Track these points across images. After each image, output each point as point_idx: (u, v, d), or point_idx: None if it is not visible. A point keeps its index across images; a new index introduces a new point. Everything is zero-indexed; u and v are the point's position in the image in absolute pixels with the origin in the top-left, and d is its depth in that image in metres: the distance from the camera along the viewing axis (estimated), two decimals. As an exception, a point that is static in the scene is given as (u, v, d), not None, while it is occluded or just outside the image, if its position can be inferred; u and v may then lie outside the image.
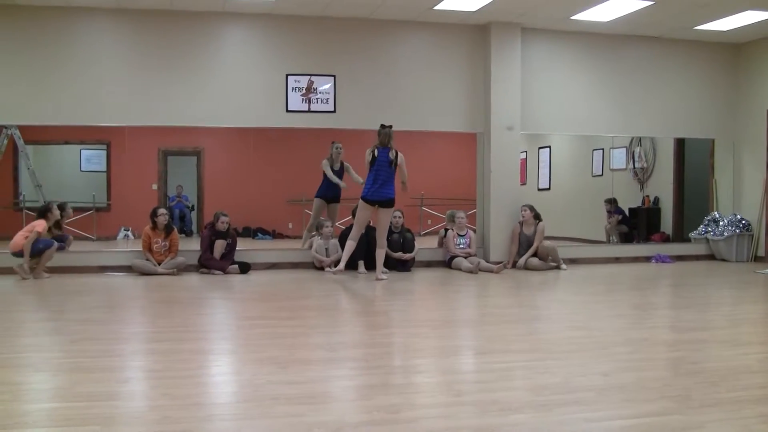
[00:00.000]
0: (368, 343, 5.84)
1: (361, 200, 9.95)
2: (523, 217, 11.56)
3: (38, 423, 3.66)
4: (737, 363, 5.01)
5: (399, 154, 9.92)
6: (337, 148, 11.70)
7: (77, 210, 13.79)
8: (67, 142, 14.81)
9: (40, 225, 10.06)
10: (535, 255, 11.42)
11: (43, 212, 10.29)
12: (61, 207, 10.82)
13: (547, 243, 11.49)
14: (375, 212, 10.03)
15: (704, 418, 3.69)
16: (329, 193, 11.79)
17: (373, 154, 9.84)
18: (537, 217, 11.60)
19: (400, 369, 5.03)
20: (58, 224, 10.64)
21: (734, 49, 13.14)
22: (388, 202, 9.95)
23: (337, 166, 11.76)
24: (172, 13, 11.00)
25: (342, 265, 10.00)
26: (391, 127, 10.03)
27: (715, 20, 11.57)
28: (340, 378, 4.65)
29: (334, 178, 11.55)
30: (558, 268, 11.38)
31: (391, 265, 10.99)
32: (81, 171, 15.21)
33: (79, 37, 10.87)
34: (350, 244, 10.01)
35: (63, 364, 4.92)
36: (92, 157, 15.13)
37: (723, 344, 5.77)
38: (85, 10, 10.80)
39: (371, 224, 10.49)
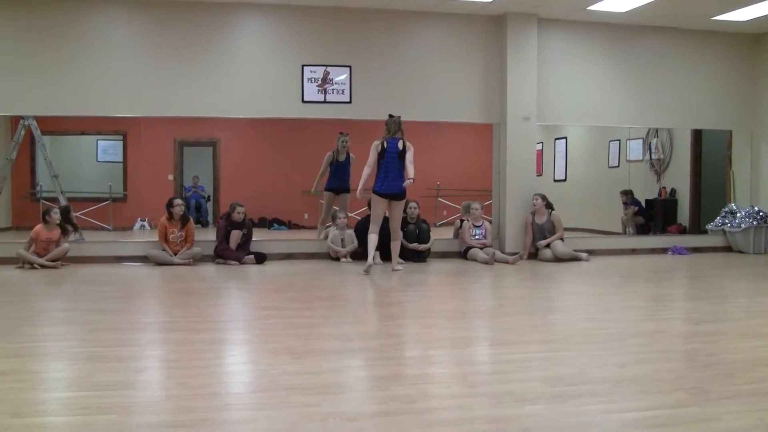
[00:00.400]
0: (383, 333, 5.84)
1: (373, 194, 9.75)
2: (535, 206, 11.55)
3: (55, 411, 3.68)
4: (753, 355, 4.98)
5: (408, 144, 9.72)
6: (343, 141, 11.83)
7: (93, 201, 13.88)
8: (83, 133, 14.87)
9: (34, 232, 10.15)
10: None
11: (42, 217, 10.36)
12: (65, 209, 10.87)
13: (558, 243, 11.44)
14: (388, 205, 9.84)
15: (720, 410, 3.68)
16: (336, 184, 11.89)
17: (383, 146, 9.61)
18: (549, 206, 11.59)
19: (414, 360, 5.03)
20: (68, 221, 10.65)
21: (753, 39, 13.05)
22: (400, 195, 9.71)
23: (342, 158, 11.85)
24: (188, 4, 11.02)
25: (370, 259, 9.67)
26: (399, 116, 9.93)
27: (733, 10, 11.49)
28: (355, 368, 4.66)
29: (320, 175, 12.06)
30: (578, 259, 11.36)
31: (407, 255, 11.00)
32: (97, 161, 15.28)
33: (94, 28, 10.90)
34: (373, 239, 9.78)
35: (80, 354, 4.94)
36: (108, 148, 15.19)
37: (739, 336, 5.74)
38: (100, 1, 10.84)
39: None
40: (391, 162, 9.61)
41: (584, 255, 11.49)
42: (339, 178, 11.91)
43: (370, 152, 9.65)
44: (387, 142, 9.61)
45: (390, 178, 9.61)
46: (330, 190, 11.95)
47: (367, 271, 9.49)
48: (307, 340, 5.41)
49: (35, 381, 4.25)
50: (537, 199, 11.56)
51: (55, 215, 10.26)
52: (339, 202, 11.94)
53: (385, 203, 9.76)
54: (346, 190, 11.95)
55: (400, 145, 9.62)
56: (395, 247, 10.03)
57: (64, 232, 10.30)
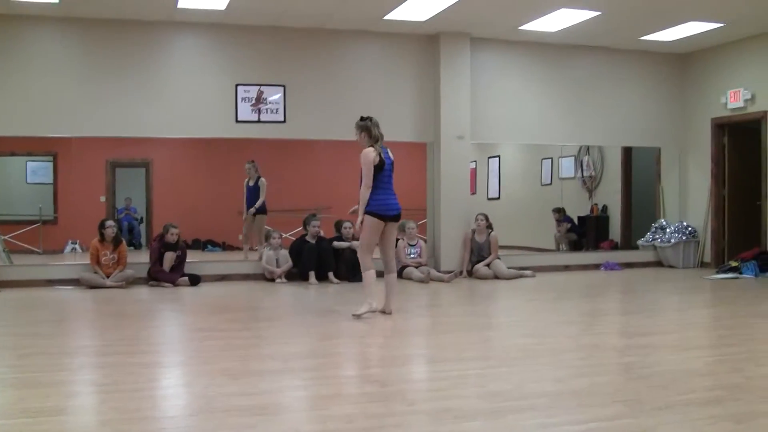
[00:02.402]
0: (321, 353, 5.82)
1: (368, 217, 7.46)
2: (478, 225, 11.63)
3: (-16, 439, 3.59)
4: (686, 366, 5.08)
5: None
6: (248, 168, 12.18)
7: (23, 223, 13.59)
8: (13, 154, 14.56)
9: None
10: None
11: None
12: None
13: (498, 263, 11.55)
14: (383, 230, 7.65)
15: (656, 420, 3.73)
16: (248, 207, 12.27)
17: (380, 157, 7.49)
18: (489, 226, 11.70)
19: (353, 379, 5.02)
20: None
21: (679, 59, 13.35)
22: (399, 216, 7.78)
23: (252, 183, 12.17)
24: (121, 22, 10.88)
25: (374, 303, 7.51)
26: None
27: (659, 31, 11.75)
28: (294, 389, 4.63)
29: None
30: (523, 276, 11.49)
31: (342, 275, 10.97)
32: (27, 183, 14.97)
33: (25, 46, 10.69)
34: (371, 275, 7.59)
35: (9, 380, 4.83)
36: (38, 169, 14.89)
37: (672, 348, 5.85)
38: (30, 18, 10.64)
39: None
40: (388, 176, 7.63)
41: (528, 272, 11.62)
42: (249, 202, 12.19)
43: (365, 167, 7.44)
44: (383, 153, 7.54)
45: (391, 195, 7.63)
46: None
47: (379, 311, 7.63)
48: (244, 361, 5.37)
49: (-37, 408, 4.13)
50: (481, 219, 11.66)
51: None
52: (256, 224, 12.18)
53: (381, 227, 7.61)
54: (261, 212, 12.16)
55: (391, 155, 7.73)
56: (392, 282, 7.80)
57: None
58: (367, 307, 7.39)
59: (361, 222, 7.49)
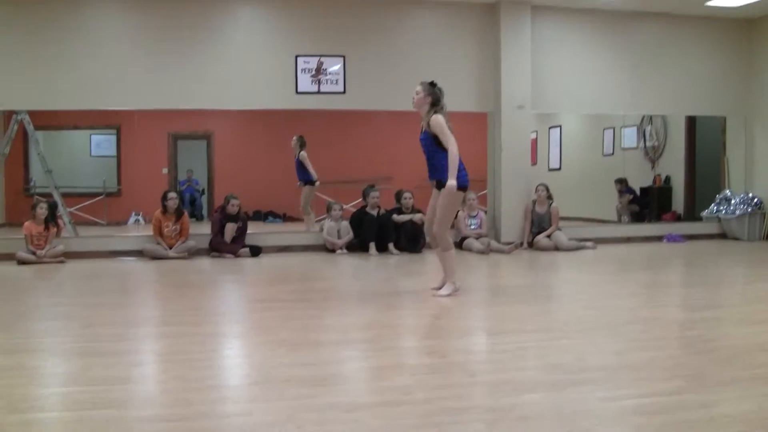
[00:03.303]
0: (380, 324, 5.83)
1: (459, 190, 6.86)
2: (539, 196, 11.56)
3: (53, 407, 3.67)
4: (751, 341, 4.98)
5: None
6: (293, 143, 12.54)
7: (87, 195, 13.83)
8: (76, 127, 14.80)
9: (26, 228, 10.11)
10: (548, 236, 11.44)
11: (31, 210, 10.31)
12: (52, 205, 10.76)
13: (559, 234, 11.46)
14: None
15: (718, 396, 3.67)
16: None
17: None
18: (550, 197, 11.61)
19: (412, 350, 5.02)
20: (52, 218, 10.53)
21: (746, 24, 13.03)
22: None
23: (296, 157, 12.51)
24: (180, -3, 10.99)
25: (458, 283, 7.16)
26: None
27: (726, -4, 11.49)
28: (353, 359, 4.65)
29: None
30: (584, 248, 11.40)
31: (402, 246, 11.00)
32: (91, 156, 15.21)
33: (86, 21, 10.85)
34: (454, 254, 7.16)
35: (76, 349, 4.93)
36: (102, 142, 15.12)
37: (736, 322, 5.75)
38: (92, -7, 10.80)
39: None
40: None
41: (589, 243, 11.54)
42: (297, 174, 12.58)
43: (442, 129, 6.82)
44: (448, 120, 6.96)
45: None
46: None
47: (451, 294, 7.02)
48: (304, 331, 5.41)
49: (31, 377, 4.22)
50: (541, 190, 11.59)
51: (41, 210, 10.19)
52: (303, 194, 12.57)
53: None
54: (309, 182, 12.46)
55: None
56: (450, 257, 7.16)
57: (47, 228, 10.23)
58: (453, 287, 7.02)
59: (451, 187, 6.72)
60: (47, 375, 4.32)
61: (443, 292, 7.01)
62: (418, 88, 7.05)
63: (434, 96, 7.00)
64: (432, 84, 7.07)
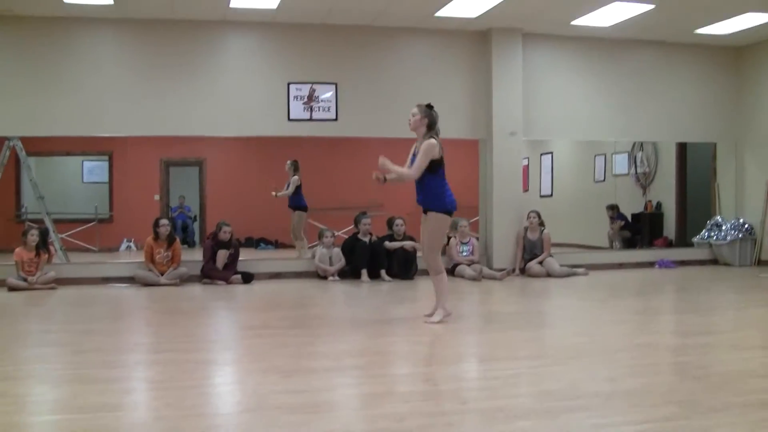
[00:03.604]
0: (372, 351, 5.82)
1: (445, 217, 7.01)
2: (531, 222, 11.58)
3: (42, 435, 3.64)
4: (743, 367, 4.98)
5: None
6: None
7: (79, 222, 13.80)
8: (69, 154, 14.81)
9: (17, 254, 10.08)
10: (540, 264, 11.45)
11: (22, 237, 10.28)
12: (43, 232, 10.71)
13: (551, 261, 11.47)
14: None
15: (711, 422, 3.67)
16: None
17: (442, 152, 6.99)
18: (542, 224, 11.63)
19: (405, 377, 5.01)
20: (43, 245, 10.48)
21: (735, 52, 13.12)
22: None
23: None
24: (174, 23, 11.00)
25: (446, 306, 7.09)
26: None
27: (715, 23, 11.55)
28: (345, 386, 4.63)
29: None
30: (576, 275, 11.41)
31: (394, 273, 10.99)
32: (83, 182, 15.22)
33: (80, 47, 10.87)
34: (446, 278, 7.20)
35: (66, 376, 4.90)
36: (94, 169, 15.14)
37: (729, 348, 5.75)
38: (85, 20, 10.80)
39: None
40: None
41: (581, 269, 11.54)
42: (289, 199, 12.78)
43: (424, 157, 6.85)
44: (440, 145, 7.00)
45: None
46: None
47: (439, 322, 6.95)
48: (296, 358, 5.39)
49: (21, 404, 4.20)
50: (533, 217, 11.61)
51: (32, 236, 10.17)
52: (293, 220, 12.79)
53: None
54: (298, 208, 12.74)
55: None
56: (441, 282, 7.18)
57: (38, 254, 10.20)
58: (443, 313, 7.01)
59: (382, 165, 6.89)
60: (37, 402, 4.29)
61: (434, 318, 6.99)
62: (415, 110, 7.08)
63: (431, 118, 7.02)
64: (429, 106, 7.08)
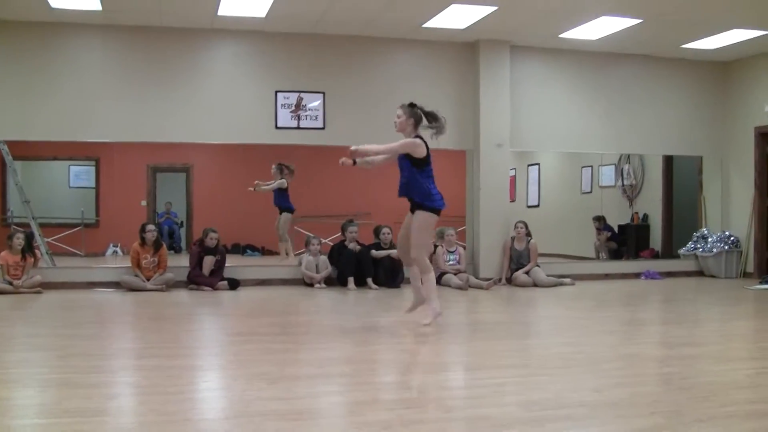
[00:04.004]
0: (358, 359, 5.82)
1: (433, 215, 6.97)
2: (517, 233, 11.61)
3: (26, 439, 3.63)
4: (728, 378, 5.00)
5: None
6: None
7: (65, 226, 13.74)
8: (55, 158, 14.74)
9: (2, 258, 10.04)
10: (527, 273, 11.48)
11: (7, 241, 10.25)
12: (28, 236, 10.66)
13: (538, 271, 11.50)
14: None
15: (696, 433, 3.69)
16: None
17: (427, 146, 7.03)
18: (528, 234, 11.67)
19: (390, 385, 5.01)
20: (29, 249, 10.44)
21: (722, 67, 13.22)
22: None
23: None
24: (162, 30, 11.00)
25: (437, 306, 7.08)
26: None
27: (702, 38, 11.63)
28: (330, 394, 4.62)
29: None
30: (562, 284, 11.43)
31: (380, 281, 10.99)
32: (70, 187, 15.15)
33: (67, 52, 10.85)
34: (434, 277, 7.18)
35: (51, 380, 4.88)
36: (81, 173, 15.07)
37: (714, 360, 5.77)
38: (73, 25, 10.79)
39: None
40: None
41: (568, 280, 11.58)
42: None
43: (405, 148, 6.95)
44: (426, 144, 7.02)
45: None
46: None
47: (431, 323, 7.07)
48: (282, 365, 5.38)
49: (6, 408, 4.17)
50: (520, 227, 11.64)
51: (18, 240, 10.13)
52: (279, 221, 12.74)
53: None
54: (284, 210, 12.73)
55: None
56: (429, 281, 7.11)
57: (24, 258, 10.16)
58: (435, 312, 7.02)
59: (354, 151, 6.90)
60: (22, 406, 4.27)
61: (426, 320, 7.03)
62: (399, 111, 7.13)
63: (416, 117, 7.07)
64: (411, 105, 7.14)
